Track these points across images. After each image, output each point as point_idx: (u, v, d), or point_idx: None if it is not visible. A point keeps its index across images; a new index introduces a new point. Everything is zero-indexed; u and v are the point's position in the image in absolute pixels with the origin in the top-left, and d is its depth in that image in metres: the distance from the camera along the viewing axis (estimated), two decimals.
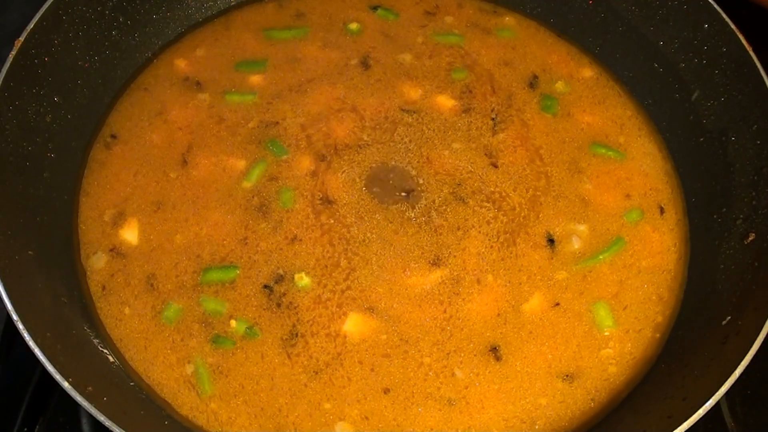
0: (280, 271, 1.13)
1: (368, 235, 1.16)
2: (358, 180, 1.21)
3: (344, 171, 1.22)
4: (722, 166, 1.23)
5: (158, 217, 1.17)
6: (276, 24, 1.39)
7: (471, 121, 1.29)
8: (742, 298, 1.09)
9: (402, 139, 1.26)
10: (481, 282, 1.13)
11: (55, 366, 0.90)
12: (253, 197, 1.19)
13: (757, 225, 1.15)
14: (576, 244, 1.18)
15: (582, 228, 1.20)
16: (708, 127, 1.27)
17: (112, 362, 1.05)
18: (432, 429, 1.03)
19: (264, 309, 1.10)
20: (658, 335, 1.13)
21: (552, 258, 1.16)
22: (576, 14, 1.43)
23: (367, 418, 1.03)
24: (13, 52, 1.09)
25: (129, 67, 1.31)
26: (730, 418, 1.21)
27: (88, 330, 1.06)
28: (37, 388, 1.18)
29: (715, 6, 1.26)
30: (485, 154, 1.25)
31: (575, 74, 1.38)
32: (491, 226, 1.18)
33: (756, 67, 1.20)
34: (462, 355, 1.08)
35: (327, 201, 1.19)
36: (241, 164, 1.22)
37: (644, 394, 1.08)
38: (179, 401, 1.04)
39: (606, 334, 1.11)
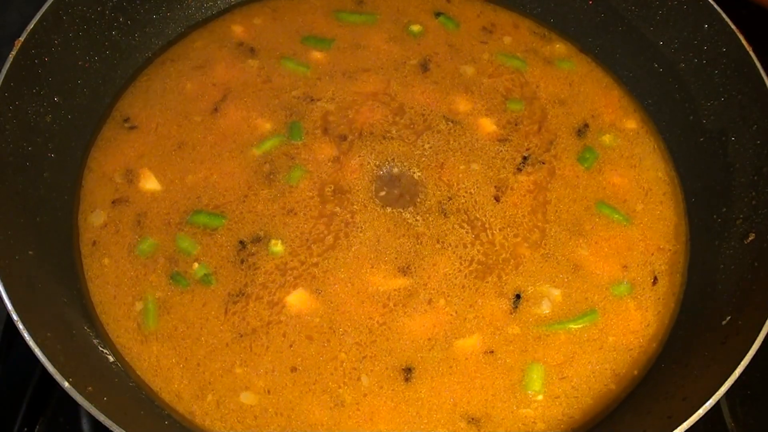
0: (261, 233, 1.15)
1: (367, 224, 1.17)
2: (368, 170, 1.22)
3: (360, 157, 1.23)
4: (722, 166, 1.23)
5: (177, 156, 1.21)
6: (343, 7, 1.41)
7: (500, 151, 1.26)
8: (742, 298, 1.09)
9: (423, 144, 1.26)
10: (432, 303, 1.12)
11: (55, 366, 0.90)
12: (265, 163, 1.21)
13: (757, 225, 1.15)
14: (545, 309, 1.13)
15: (556, 293, 1.14)
16: (708, 127, 1.27)
17: (112, 362, 1.05)
18: (321, 425, 1.03)
19: (228, 261, 1.12)
20: (605, 403, 1.08)
21: (511, 313, 1.12)
22: (576, 14, 1.43)
23: (269, 392, 1.04)
24: (13, 52, 1.09)
25: (129, 67, 1.31)
26: (730, 418, 1.21)
27: (88, 330, 1.06)
28: (37, 388, 1.18)
29: (715, 6, 1.26)
30: (495, 186, 1.22)
31: (619, 124, 1.33)
32: (467, 250, 1.16)
33: (756, 67, 1.20)
34: (375, 363, 1.07)
35: (337, 186, 1.20)
36: (267, 126, 1.25)
37: (644, 394, 1.08)
38: (134, 358, 1.06)
39: (530, 395, 1.07)
